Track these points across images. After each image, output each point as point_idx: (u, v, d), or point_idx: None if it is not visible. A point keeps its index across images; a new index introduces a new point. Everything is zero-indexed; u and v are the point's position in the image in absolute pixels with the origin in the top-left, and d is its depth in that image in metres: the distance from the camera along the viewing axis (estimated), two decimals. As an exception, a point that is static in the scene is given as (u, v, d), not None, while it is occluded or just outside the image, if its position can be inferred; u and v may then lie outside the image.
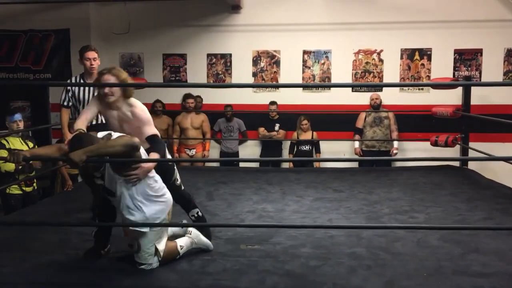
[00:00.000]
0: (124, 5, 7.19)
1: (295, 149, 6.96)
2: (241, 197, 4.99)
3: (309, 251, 3.42)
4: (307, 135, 6.91)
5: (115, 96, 3.22)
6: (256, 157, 7.29)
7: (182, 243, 3.27)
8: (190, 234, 3.37)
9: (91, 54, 4.01)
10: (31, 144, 4.80)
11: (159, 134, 3.35)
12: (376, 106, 6.78)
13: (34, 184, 4.96)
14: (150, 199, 3.00)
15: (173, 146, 6.90)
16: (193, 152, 6.86)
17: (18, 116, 4.66)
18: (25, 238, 3.61)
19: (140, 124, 3.24)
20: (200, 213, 3.67)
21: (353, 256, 3.32)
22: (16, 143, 4.67)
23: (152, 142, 3.24)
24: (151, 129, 3.28)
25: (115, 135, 2.96)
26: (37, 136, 5.66)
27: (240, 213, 4.43)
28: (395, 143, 6.81)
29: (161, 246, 3.10)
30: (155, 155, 3.16)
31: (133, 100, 3.30)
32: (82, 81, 4.01)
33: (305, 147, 6.89)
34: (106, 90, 3.18)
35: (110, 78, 3.20)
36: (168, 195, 3.15)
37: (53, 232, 3.71)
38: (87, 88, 3.94)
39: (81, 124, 3.26)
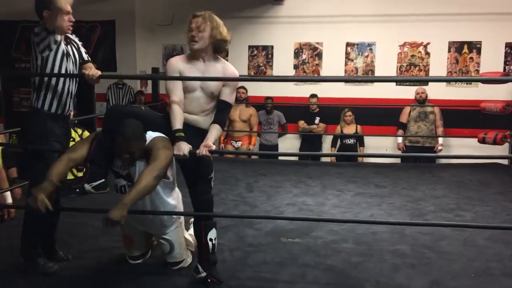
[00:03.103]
0: (168, -4, 7.27)
1: (339, 143, 6.86)
2: (281, 190, 4.97)
3: (351, 247, 3.36)
4: (351, 128, 6.78)
5: (202, 42, 2.68)
6: (296, 151, 7.22)
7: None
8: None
9: (69, 7, 2.82)
10: (79, 131, 4.95)
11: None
12: (421, 101, 6.58)
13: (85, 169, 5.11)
14: (170, 187, 2.87)
15: (220, 137, 6.89)
16: (239, 144, 6.87)
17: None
18: (71, 223, 3.70)
19: (228, 87, 2.75)
20: (215, 241, 2.83)
21: (396, 253, 3.24)
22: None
23: (223, 111, 2.77)
24: (232, 97, 2.81)
25: (150, 135, 2.66)
26: (83, 123, 5.81)
27: (280, 206, 4.41)
28: (440, 139, 6.60)
29: (187, 236, 3.07)
30: (217, 129, 2.72)
31: (222, 59, 2.84)
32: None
33: (349, 140, 6.77)
34: (194, 33, 2.67)
35: (200, 24, 2.67)
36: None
37: (96, 219, 3.78)
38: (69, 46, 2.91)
39: (179, 113, 2.68)
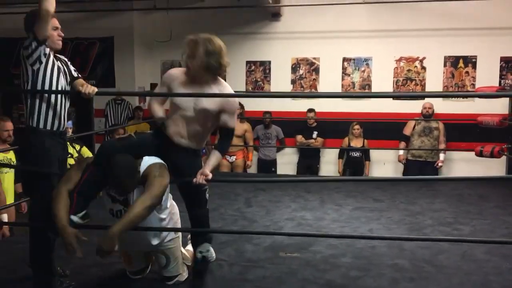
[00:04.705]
0: (166, 13, 7.33)
1: (345, 155, 6.90)
2: (280, 204, 4.97)
3: (350, 261, 3.36)
4: (359, 141, 6.81)
5: (194, 68, 2.64)
6: (294, 166, 7.24)
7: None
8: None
9: (57, 23, 2.85)
10: (77, 147, 4.98)
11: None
12: (428, 116, 6.59)
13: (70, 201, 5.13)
14: (166, 208, 2.86)
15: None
16: (233, 158, 6.88)
17: (69, 124, 4.92)
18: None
19: (226, 112, 2.70)
20: (212, 254, 2.90)
21: (395, 267, 3.24)
22: (65, 146, 4.86)
23: (225, 138, 2.79)
24: (233, 121, 2.77)
25: (146, 161, 2.65)
26: (81, 139, 5.83)
27: (279, 220, 4.41)
28: (441, 156, 6.60)
29: (184, 251, 3.05)
30: (216, 156, 2.74)
31: (223, 81, 2.75)
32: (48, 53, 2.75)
33: (355, 153, 6.81)
34: (187, 60, 2.66)
35: (192, 50, 2.62)
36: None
37: (96, 234, 3.77)
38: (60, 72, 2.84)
39: (160, 110, 2.77)
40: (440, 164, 6.56)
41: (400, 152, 6.70)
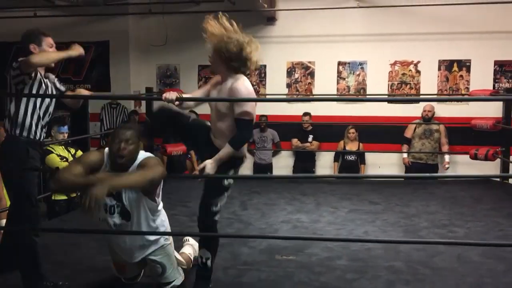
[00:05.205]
0: (161, 17, 7.35)
1: (341, 158, 6.93)
2: (275, 207, 4.98)
3: (346, 264, 3.37)
4: (354, 145, 6.84)
5: (212, 63, 2.71)
6: (289, 169, 7.25)
7: (188, 251, 3.16)
8: (188, 241, 3.28)
9: (52, 41, 3.00)
10: (73, 151, 4.97)
11: (253, 120, 2.70)
12: (427, 119, 6.61)
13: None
14: (158, 211, 2.84)
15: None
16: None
17: (66, 129, 4.92)
18: (66, 244, 3.70)
19: (234, 104, 2.59)
20: (210, 263, 2.83)
21: (391, 270, 3.25)
22: (59, 150, 4.85)
23: (237, 129, 2.64)
24: (242, 109, 2.59)
25: (143, 154, 2.71)
26: (76, 143, 5.82)
27: (274, 223, 4.41)
28: (446, 157, 6.64)
29: (178, 256, 3.03)
30: (226, 148, 2.64)
31: (238, 75, 2.66)
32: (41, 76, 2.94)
33: (350, 157, 6.84)
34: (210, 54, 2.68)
35: (208, 44, 2.72)
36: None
37: (92, 239, 3.77)
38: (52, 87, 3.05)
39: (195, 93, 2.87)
40: (446, 166, 6.60)
41: (404, 155, 6.73)
